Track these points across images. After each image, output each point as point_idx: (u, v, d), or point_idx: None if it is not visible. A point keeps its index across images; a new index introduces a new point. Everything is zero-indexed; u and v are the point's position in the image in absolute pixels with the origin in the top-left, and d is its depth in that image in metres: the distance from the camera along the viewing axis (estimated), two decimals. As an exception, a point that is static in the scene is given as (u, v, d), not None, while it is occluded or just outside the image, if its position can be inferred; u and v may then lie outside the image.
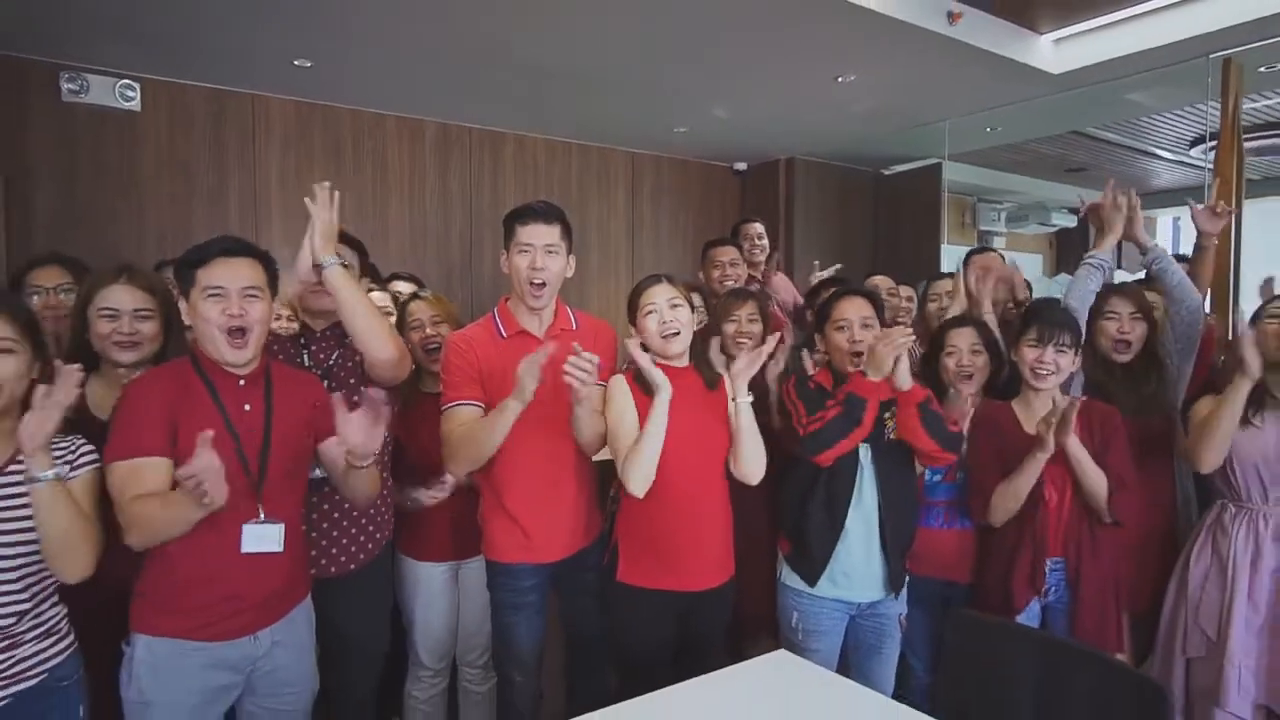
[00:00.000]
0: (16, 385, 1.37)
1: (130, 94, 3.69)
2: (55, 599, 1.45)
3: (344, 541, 1.93)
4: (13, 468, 1.35)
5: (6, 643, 1.35)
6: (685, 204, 5.72)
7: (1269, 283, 2.54)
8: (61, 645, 1.45)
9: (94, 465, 1.45)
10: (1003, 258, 3.17)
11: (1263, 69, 3.77)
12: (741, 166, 5.95)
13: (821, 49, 3.51)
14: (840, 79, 3.90)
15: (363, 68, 3.74)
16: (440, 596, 2.29)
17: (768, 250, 3.73)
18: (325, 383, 1.90)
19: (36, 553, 1.35)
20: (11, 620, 1.35)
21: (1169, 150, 6.09)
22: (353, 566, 1.95)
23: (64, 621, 1.46)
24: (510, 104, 4.34)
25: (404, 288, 2.70)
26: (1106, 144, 5.91)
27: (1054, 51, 3.80)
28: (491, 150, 4.82)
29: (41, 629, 1.41)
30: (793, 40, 3.39)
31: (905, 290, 3.50)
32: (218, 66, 3.72)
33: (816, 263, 3.32)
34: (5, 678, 1.35)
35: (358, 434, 1.54)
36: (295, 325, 2.11)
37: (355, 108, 4.31)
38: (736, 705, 1.47)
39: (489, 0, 2.93)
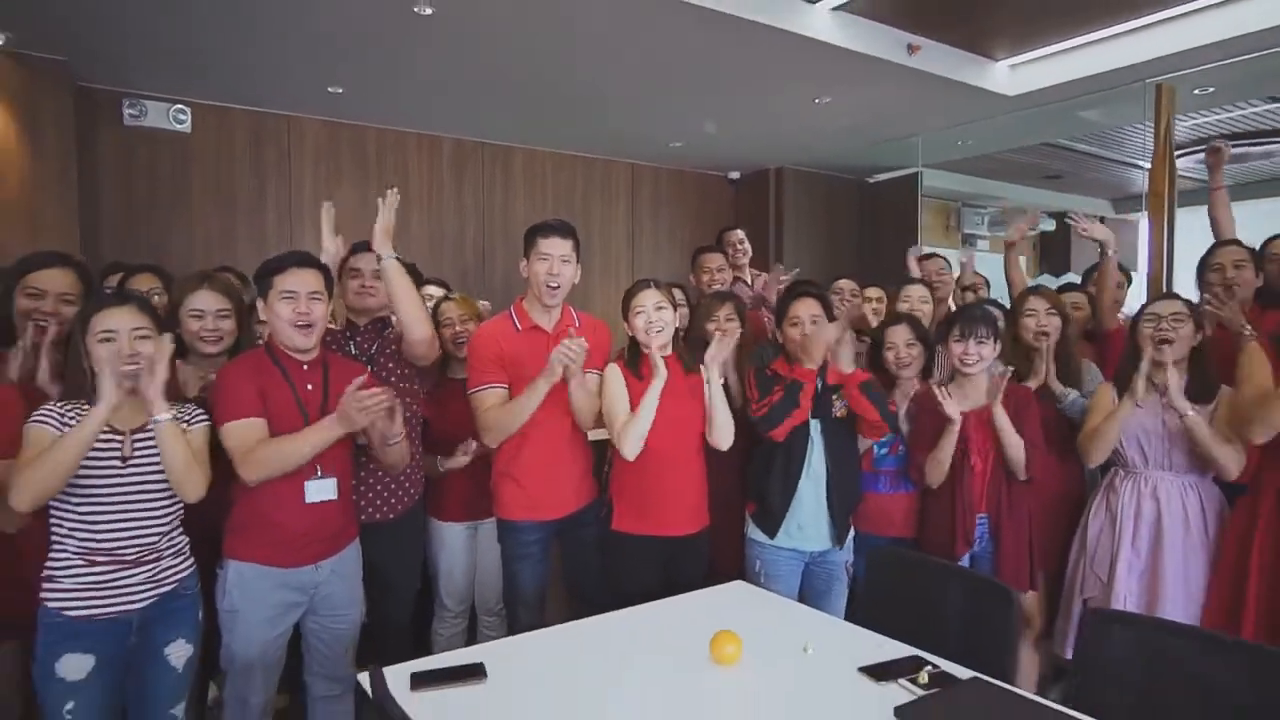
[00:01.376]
0: None
1: (182, 117, 4.15)
2: (181, 529, 1.86)
3: (385, 494, 2.36)
4: (150, 427, 1.77)
5: (153, 556, 1.77)
6: (682, 211, 6.13)
7: None
8: (187, 563, 1.87)
9: (205, 423, 1.87)
10: (947, 260, 3.58)
11: (1197, 91, 4.17)
12: (735, 175, 6.36)
13: (799, 76, 3.93)
14: (818, 100, 4.31)
15: (387, 92, 4.17)
16: (460, 551, 2.71)
17: (749, 254, 4.14)
18: (369, 366, 2.33)
19: (171, 489, 1.78)
20: (156, 539, 1.78)
21: (1139, 158, 6.46)
22: (392, 516, 2.38)
23: (187, 546, 1.88)
24: (520, 121, 4.77)
25: (434, 290, 3.11)
26: (1079, 153, 6.28)
27: (1009, 76, 4.20)
28: (503, 163, 5.25)
29: (174, 549, 1.83)
30: (772, 68, 3.81)
31: (874, 291, 3.87)
32: (259, 92, 4.17)
33: (780, 265, 3.72)
34: (153, 582, 1.77)
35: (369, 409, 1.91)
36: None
37: (380, 126, 4.75)
38: (700, 617, 1.87)
39: (502, 33, 3.36)
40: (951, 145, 5.39)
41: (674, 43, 3.46)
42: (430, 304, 2.71)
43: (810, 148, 5.52)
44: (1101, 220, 3.09)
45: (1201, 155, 5.99)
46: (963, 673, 1.53)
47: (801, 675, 1.58)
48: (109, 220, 3.99)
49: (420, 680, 1.52)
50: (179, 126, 4.15)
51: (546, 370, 2.19)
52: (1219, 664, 1.40)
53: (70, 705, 1.66)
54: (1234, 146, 5.90)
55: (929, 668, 1.53)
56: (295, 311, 1.99)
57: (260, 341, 2.20)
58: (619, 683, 1.56)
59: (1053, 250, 8.28)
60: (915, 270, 3.66)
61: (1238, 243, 2.76)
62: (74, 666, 1.66)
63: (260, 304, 2.08)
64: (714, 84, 4.07)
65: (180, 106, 4.14)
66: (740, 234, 4.13)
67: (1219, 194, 3.05)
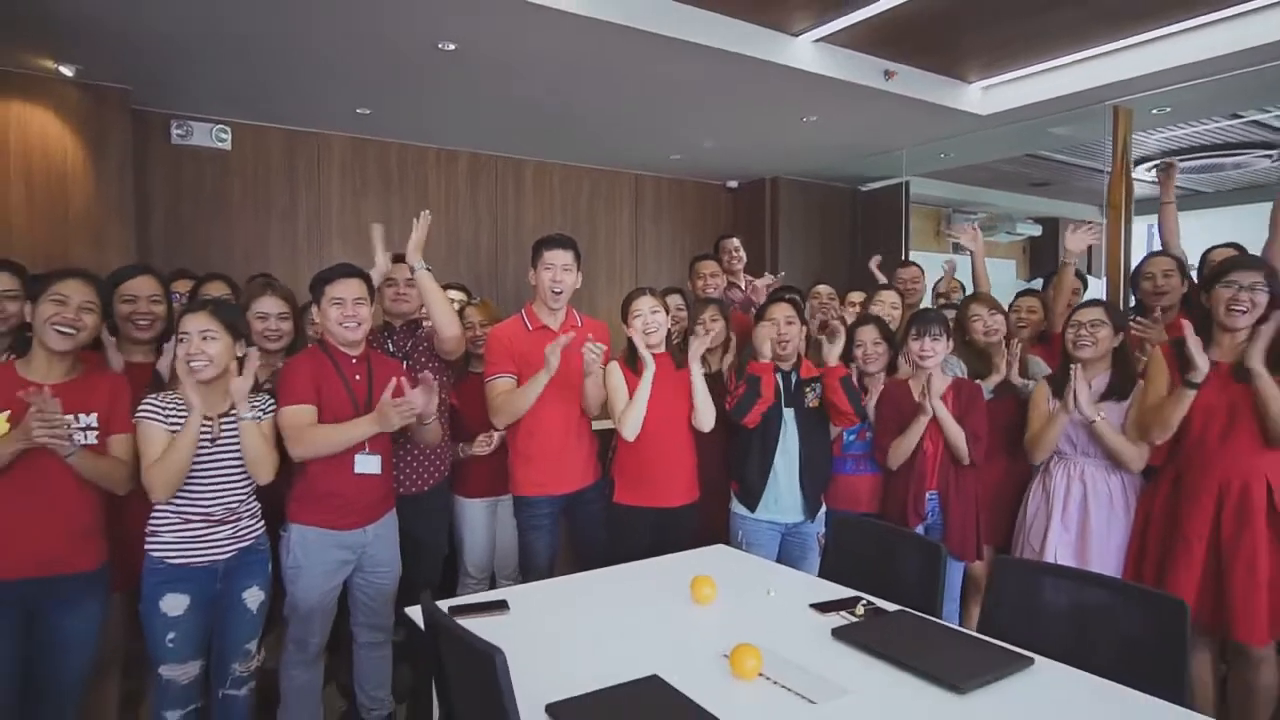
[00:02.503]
0: (220, 359, 2.14)
1: (223, 135, 4.54)
2: (254, 496, 2.24)
3: (419, 470, 2.75)
4: (232, 413, 2.15)
5: (234, 517, 2.15)
6: (683, 218, 6.49)
7: None
8: (260, 524, 2.25)
9: (274, 412, 2.26)
10: (919, 268, 3.93)
11: (1155, 111, 4.51)
12: (733, 184, 6.72)
13: (786, 99, 4.29)
14: (805, 119, 4.67)
15: (410, 113, 4.56)
16: (481, 525, 3.08)
17: (744, 261, 4.49)
18: (405, 361, 2.71)
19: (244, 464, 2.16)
20: (237, 503, 2.15)
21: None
22: (425, 489, 2.76)
23: (260, 511, 2.26)
24: (530, 137, 5.15)
25: (456, 295, 3.49)
26: (1060, 163, 6.60)
27: (982, 97, 4.55)
28: (515, 175, 5.64)
29: (249, 512, 2.21)
30: (761, 93, 4.17)
31: (857, 295, 4.21)
32: (293, 113, 4.56)
33: (768, 273, 4.10)
34: (234, 538, 2.15)
35: (419, 400, 2.32)
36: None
37: (402, 142, 5.14)
38: (685, 570, 2.23)
39: (517, 65, 3.73)
40: (935, 157, 5.73)
41: (671, 72, 3.83)
42: (456, 308, 3.08)
43: (803, 159, 5.87)
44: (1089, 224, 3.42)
45: (1185, 163, 6.36)
46: (895, 609, 1.90)
47: (763, 610, 1.95)
48: (158, 230, 4.39)
49: (455, 611, 1.89)
50: (220, 144, 4.55)
51: (545, 365, 2.55)
52: (1090, 593, 1.77)
53: (171, 635, 2.04)
54: (1207, 158, 6.27)
55: (865, 602, 1.90)
56: (343, 314, 2.37)
57: (314, 340, 2.58)
58: (615, 614, 1.93)
59: (1040, 254, 8.63)
60: (880, 276, 4.01)
61: (1166, 254, 3.11)
62: (173, 604, 2.04)
63: (314, 309, 2.46)
64: (708, 106, 4.44)
65: (222, 126, 4.53)
66: (736, 242, 4.46)
67: (1168, 208, 3.38)
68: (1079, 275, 3.65)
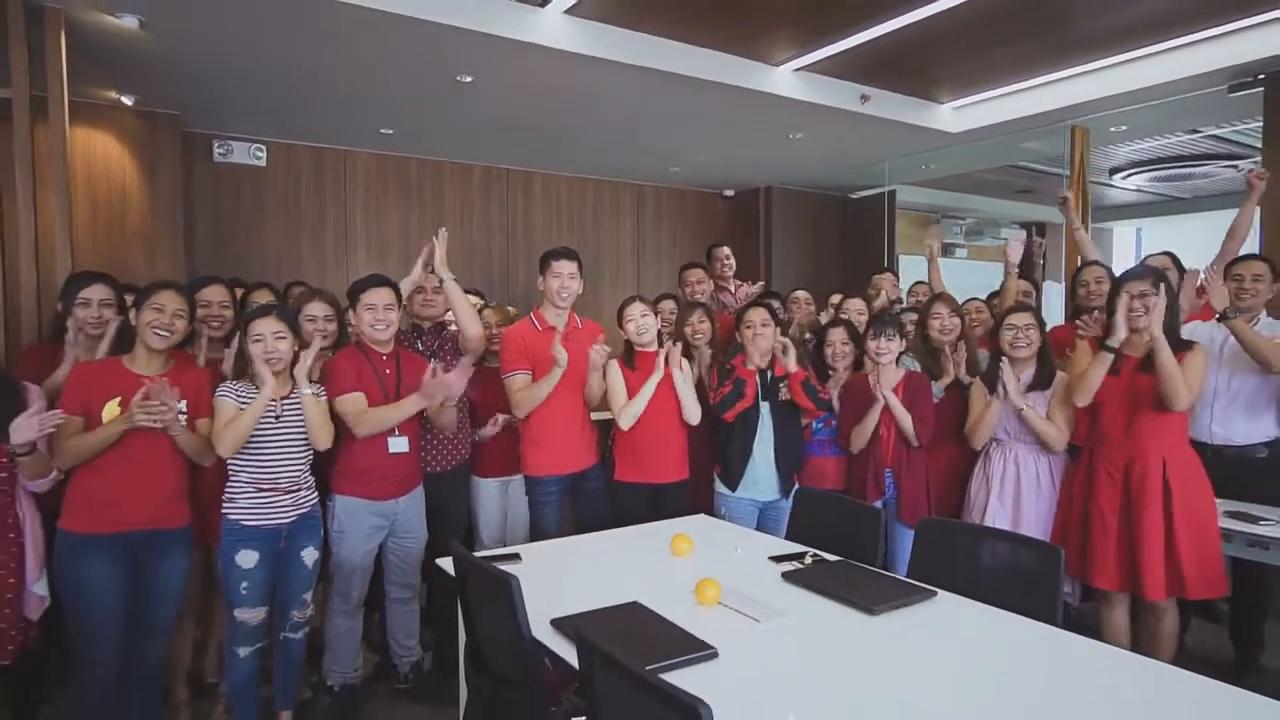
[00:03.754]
0: (288, 354, 2.57)
1: (259, 154, 4.99)
2: (310, 471, 2.66)
3: (444, 451, 3.18)
4: (294, 395, 2.58)
5: (295, 487, 2.57)
6: (682, 224, 6.92)
7: None
8: (314, 495, 2.67)
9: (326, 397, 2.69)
10: (897, 275, 4.34)
11: (1113, 128, 4.90)
12: (729, 193, 7.13)
13: (772, 120, 4.71)
14: (791, 136, 5.08)
15: (429, 132, 5.00)
16: (495, 501, 3.50)
17: (734, 268, 4.88)
18: (432, 359, 3.13)
19: (308, 440, 2.59)
20: (298, 473, 2.58)
21: (1093, 175, 7.16)
22: (448, 468, 3.19)
23: (314, 484, 2.67)
24: (539, 152, 5.59)
25: (474, 300, 3.91)
26: (1037, 172, 6.98)
27: (953, 116, 4.95)
28: (524, 186, 6.07)
29: (307, 484, 2.63)
30: (749, 116, 4.59)
31: (835, 298, 4.59)
32: (322, 133, 5.01)
33: (750, 281, 4.52)
34: (296, 505, 2.57)
35: (453, 381, 2.75)
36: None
37: (420, 157, 5.58)
38: (669, 533, 2.64)
39: (528, 93, 4.16)
40: (916, 168, 6.13)
41: (666, 100, 4.26)
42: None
43: (793, 170, 6.29)
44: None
45: (1155, 173, 6.74)
46: (836, 559, 2.31)
47: (730, 562, 2.37)
48: (203, 241, 4.85)
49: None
50: (256, 161, 5.00)
51: (556, 363, 2.97)
52: (990, 544, 2.18)
53: (244, 584, 2.47)
54: (1178, 168, 6.65)
55: (812, 554, 2.32)
56: (374, 317, 2.80)
57: (353, 339, 3.02)
58: (608, 562, 2.36)
59: (1026, 257, 8.98)
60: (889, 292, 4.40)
61: (1099, 263, 3.52)
62: (246, 559, 2.47)
63: (351, 313, 2.90)
64: (702, 127, 4.86)
65: (258, 145, 4.98)
66: (726, 250, 4.84)
67: (1078, 232, 3.84)
68: (1032, 280, 4.07)
